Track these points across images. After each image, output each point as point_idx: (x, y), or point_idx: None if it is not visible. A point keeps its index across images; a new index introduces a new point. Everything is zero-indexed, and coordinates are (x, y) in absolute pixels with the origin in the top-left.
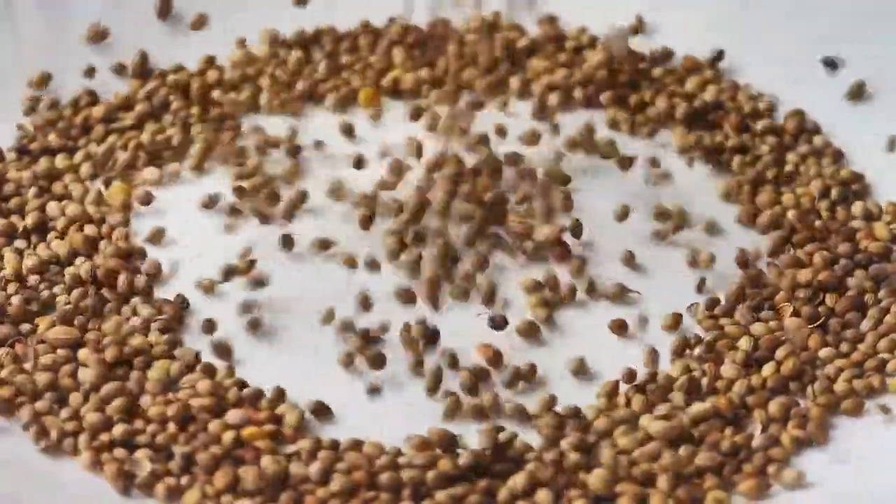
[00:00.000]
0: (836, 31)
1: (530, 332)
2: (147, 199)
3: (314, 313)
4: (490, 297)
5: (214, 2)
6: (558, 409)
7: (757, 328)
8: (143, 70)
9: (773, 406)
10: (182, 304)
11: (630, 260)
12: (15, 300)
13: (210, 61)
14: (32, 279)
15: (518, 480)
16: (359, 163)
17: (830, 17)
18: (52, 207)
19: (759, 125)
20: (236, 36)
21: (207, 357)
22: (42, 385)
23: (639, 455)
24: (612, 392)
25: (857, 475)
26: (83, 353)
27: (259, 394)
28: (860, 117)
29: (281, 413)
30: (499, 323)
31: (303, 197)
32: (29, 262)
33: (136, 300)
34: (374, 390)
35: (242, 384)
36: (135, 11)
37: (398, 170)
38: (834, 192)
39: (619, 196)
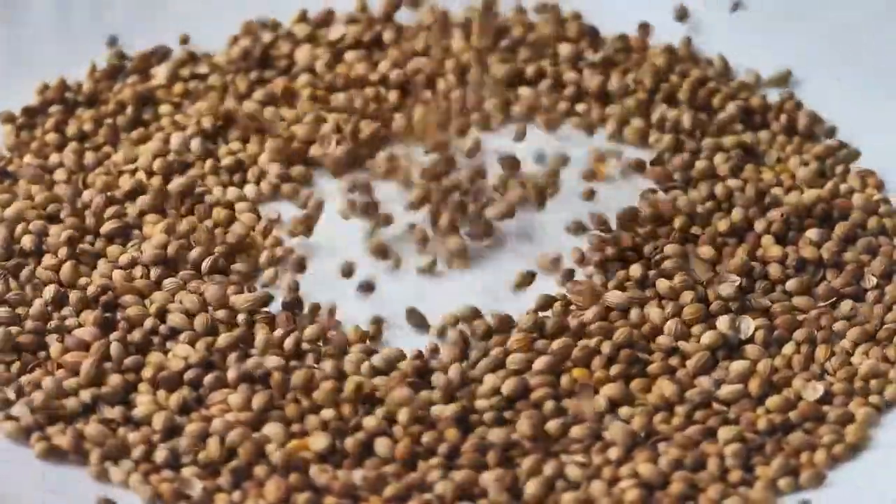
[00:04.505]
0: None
1: None
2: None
3: None
4: None
5: None
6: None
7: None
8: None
9: (798, 383)
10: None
11: None
12: (28, 325)
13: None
14: (38, 303)
15: None
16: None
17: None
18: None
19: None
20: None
21: None
22: (72, 408)
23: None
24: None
25: None
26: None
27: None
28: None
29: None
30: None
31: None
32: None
33: None
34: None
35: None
36: None
37: None
38: (813, 166)
39: None
